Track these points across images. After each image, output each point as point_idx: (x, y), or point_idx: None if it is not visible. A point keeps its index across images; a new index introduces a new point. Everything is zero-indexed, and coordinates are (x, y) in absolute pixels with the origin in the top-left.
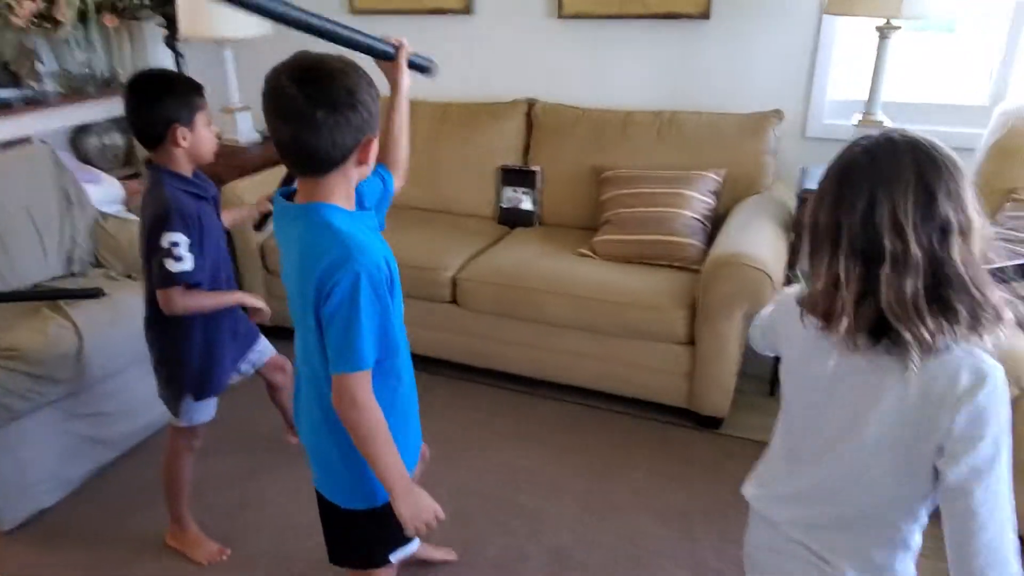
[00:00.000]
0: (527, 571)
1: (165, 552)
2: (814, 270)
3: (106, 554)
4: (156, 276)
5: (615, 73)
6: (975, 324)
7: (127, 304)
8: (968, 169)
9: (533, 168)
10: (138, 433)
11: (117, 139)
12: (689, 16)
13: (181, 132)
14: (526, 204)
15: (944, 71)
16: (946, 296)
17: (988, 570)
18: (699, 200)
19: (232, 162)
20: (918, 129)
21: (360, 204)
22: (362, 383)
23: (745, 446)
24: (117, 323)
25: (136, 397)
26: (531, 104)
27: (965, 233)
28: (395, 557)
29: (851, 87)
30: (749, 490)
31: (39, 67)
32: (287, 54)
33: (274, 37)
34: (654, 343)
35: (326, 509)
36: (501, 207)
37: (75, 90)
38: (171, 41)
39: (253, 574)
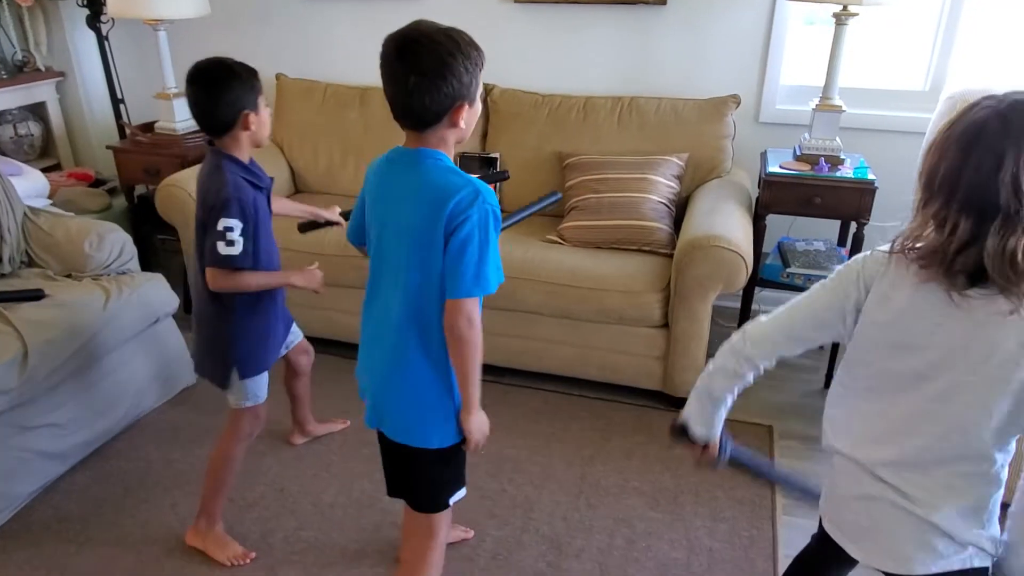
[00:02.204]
0: (524, 560)
1: (143, 568)
2: (921, 217)
3: (76, 573)
4: (208, 256)
5: (573, 58)
6: None
7: (72, 305)
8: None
9: (493, 155)
10: (92, 442)
11: (33, 128)
12: (646, 1)
13: (251, 117)
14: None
15: (885, 59)
16: None
17: None
18: (664, 184)
19: (171, 151)
20: (863, 113)
21: None
22: (477, 306)
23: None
24: (62, 327)
25: (87, 406)
26: (489, 89)
27: None
28: (453, 500)
29: (803, 73)
30: (833, 441)
31: None
32: (225, 37)
33: (209, 18)
34: (628, 327)
35: (410, 460)
36: None
37: None
38: (94, 22)
39: (295, 567)
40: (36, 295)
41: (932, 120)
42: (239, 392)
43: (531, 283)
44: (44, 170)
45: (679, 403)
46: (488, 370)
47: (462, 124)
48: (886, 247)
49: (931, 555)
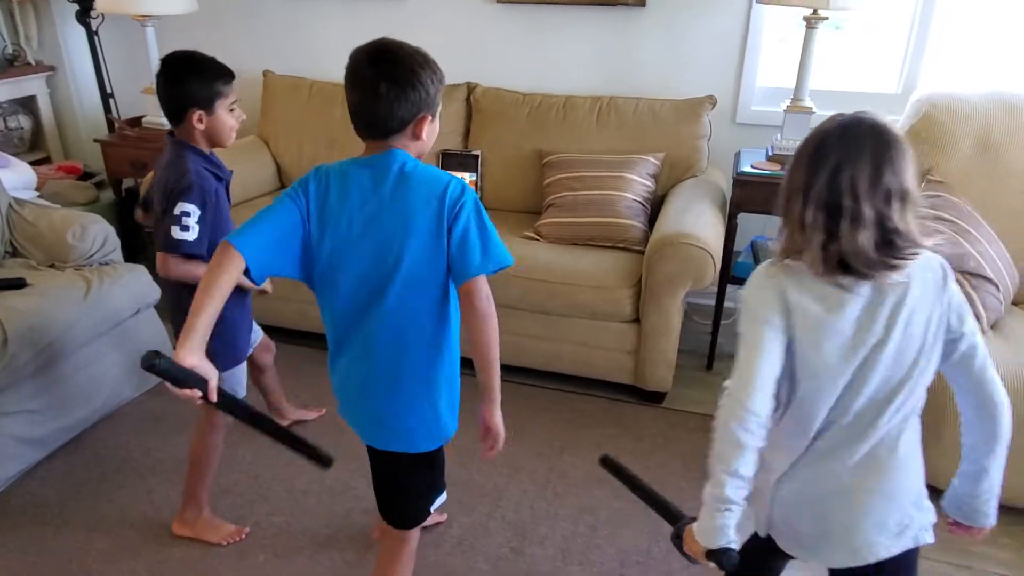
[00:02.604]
0: (489, 546)
1: (119, 552)
2: (787, 217)
3: (53, 556)
4: (160, 240)
5: (554, 58)
6: (912, 252)
7: (53, 294)
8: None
9: (474, 152)
10: (68, 430)
11: (23, 122)
12: (625, 3)
13: (198, 115)
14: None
15: (858, 63)
16: (890, 244)
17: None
18: (640, 183)
19: (157, 145)
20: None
21: None
22: (487, 285)
23: (688, 419)
24: (42, 315)
25: (67, 392)
26: (471, 88)
27: (904, 199)
28: (434, 507)
29: (778, 75)
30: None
31: None
32: (213, 33)
33: (197, 15)
34: (601, 322)
35: (393, 469)
36: None
37: None
38: (84, 17)
39: (265, 551)
40: (18, 283)
41: (900, 122)
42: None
43: (506, 278)
44: (34, 163)
45: (650, 397)
46: (463, 363)
47: (424, 136)
48: (768, 271)
49: (889, 536)
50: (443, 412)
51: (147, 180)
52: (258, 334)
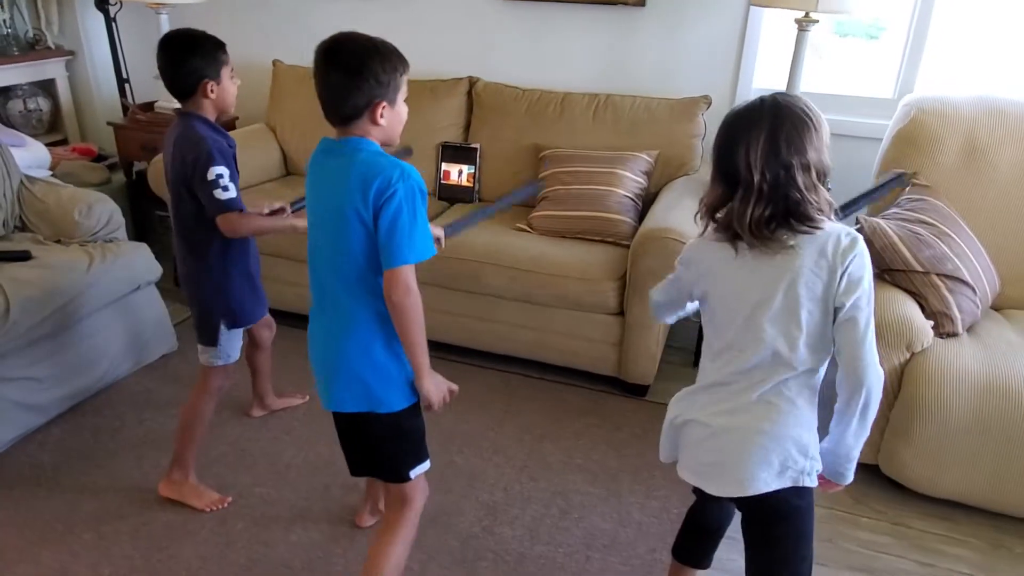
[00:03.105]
0: (461, 524)
1: (104, 514)
2: (709, 185)
3: (43, 515)
4: (210, 206)
5: (554, 55)
6: (812, 223)
7: (56, 267)
8: (825, 128)
9: (473, 145)
10: (68, 399)
11: (42, 103)
12: (625, 3)
13: (210, 85)
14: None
15: (866, 70)
16: (784, 215)
17: (872, 367)
18: (632, 180)
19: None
20: (830, 118)
21: None
22: (413, 273)
23: None
24: (45, 286)
25: (67, 362)
26: (472, 82)
27: (806, 169)
28: (414, 472)
29: (776, 77)
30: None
31: None
32: (224, 22)
33: (209, 4)
34: (586, 314)
35: (367, 430)
36: (440, 182)
37: None
38: (102, 4)
39: (244, 519)
40: (23, 256)
41: (889, 126)
42: (215, 350)
43: (495, 267)
44: (51, 144)
45: (633, 389)
46: (451, 350)
47: (382, 122)
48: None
49: (771, 473)
50: (407, 373)
51: (154, 165)
52: (266, 311)
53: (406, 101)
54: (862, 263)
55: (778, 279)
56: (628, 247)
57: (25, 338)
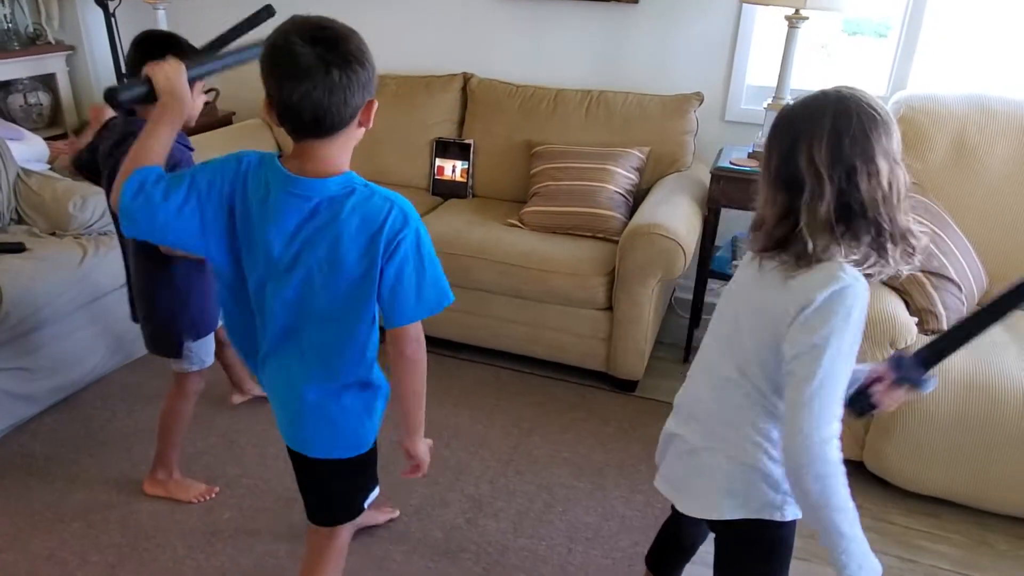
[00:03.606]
0: (445, 516)
1: (93, 503)
2: (758, 195)
3: (32, 504)
4: None
5: (548, 52)
6: (879, 247)
7: (50, 259)
8: (897, 135)
9: (467, 141)
10: (60, 390)
11: (43, 98)
12: (619, 0)
13: None
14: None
15: (870, 69)
16: (853, 224)
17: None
18: (623, 176)
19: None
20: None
21: None
22: (421, 329)
23: (657, 407)
24: (38, 278)
25: (59, 354)
26: (467, 79)
27: (871, 175)
28: (367, 503)
29: (771, 74)
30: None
31: None
32: (221, 17)
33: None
34: (575, 309)
35: (312, 469)
36: (434, 178)
37: None
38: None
39: (231, 509)
40: (17, 247)
41: None
42: (186, 358)
43: (485, 262)
44: (51, 138)
45: (622, 384)
46: (442, 344)
47: (369, 124)
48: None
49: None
50: (361, 423)
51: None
52: None
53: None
54: (819, 315)
55: (747, 298)
56: (617, 242)
57: (18, 329)
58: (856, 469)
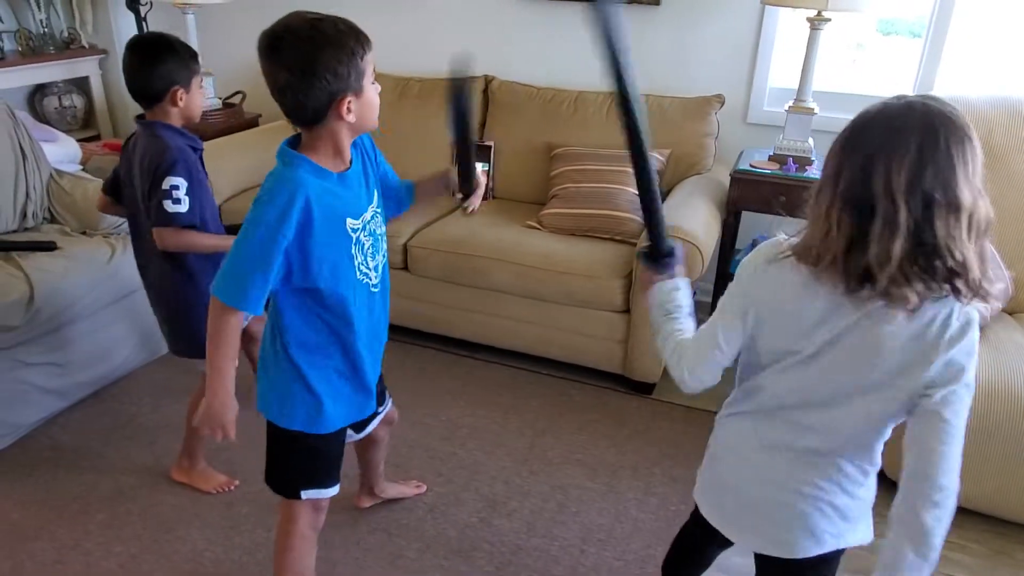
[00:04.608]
0: (459, 515)
1: (118, 495)
2: (814, 212)
3: (60, 495)
4: (154, 215)
5: (569, 54)
6: (955, 291)
7: (79, 257)
8: (980, 157)
9: (487, 143)
10: (89, 385)
11: (76, 100)
12: (640, 1)
13: (180, 93)
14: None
15: (901, 70)
16: (926, 261)
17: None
18: None
19: (195, 128)
20: (845, 118)
21: (389, 189)
22: (217, 305)
23: (673, 410)
24: (68, 275)
25: (89, 349)
26: (488, 81)
27: (953, 210)
28: (306, 495)
29: (793, 76)
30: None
31: None
32: (250, 19)
33: (235, 3)
34: (592, 311)
35: (269, 433)
36: None
37: (34, 49)
38: (133, 4)
39: (249, 504)
40: (48, 246)
41: None
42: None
43: (501, 263)
44: (84, 140)
45: (638, 386)
46: (459, 344)
47: (350, 117)
48: (777, 249)
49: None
50: (305, 395)
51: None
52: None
53: (376, 82)
54: (970, 343)
55: (846, 338)
56: (636, 245)
57: (48, 325)
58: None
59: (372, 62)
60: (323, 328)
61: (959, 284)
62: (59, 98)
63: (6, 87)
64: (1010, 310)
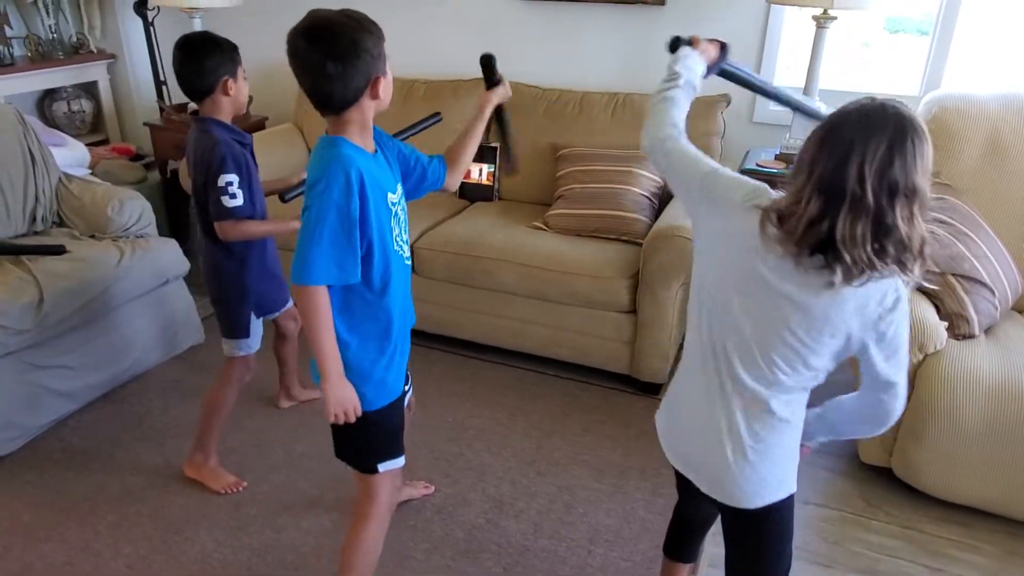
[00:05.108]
0: (467, 516)
1: (127, 496)
2: (789, 187)
3: (70, 496)
4: (214, 211)
5: (574, 54)
6: (901, 263)
7: (89, 260)
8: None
9: (493, 144)
10: (99, 387)
11: (85, 105)
12: (645, 2)
13: (230, 83)
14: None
15: (907, 68)
16: (883, 240)
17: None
18: (648, 178)
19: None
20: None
21: (410, 165)
22: (308, 294)
23: None
24: (77, 278)
25: (99, 352)
26: None
27: (909, 196)
28: (383, 467)
29: (800, 75)
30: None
31: (7, 31)
32: (255, 23)
33: (240, 8)
34: (598, 311)
35: None
36: (461, 182)
37: (43, 55)
38: (141, 9)
39: (258, 505)
40: (58, 250)
41: None
42: (236, 341)
43: (508, 264)
44: (93, 144)
45: (646, 387)
46: (466, 345)
47: (381, 95)
48: (756, 198)
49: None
50: (367, 375)
51: (183, 165)
52: (289, 302)
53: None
54: (902, 317)
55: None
56: (642, 245)
57: (58, 328)
58: (885, 476)
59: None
60: (376, 311)
61: (906, 259)
62: (68, 103)
63: (16, 92)
64: (1020, 308)
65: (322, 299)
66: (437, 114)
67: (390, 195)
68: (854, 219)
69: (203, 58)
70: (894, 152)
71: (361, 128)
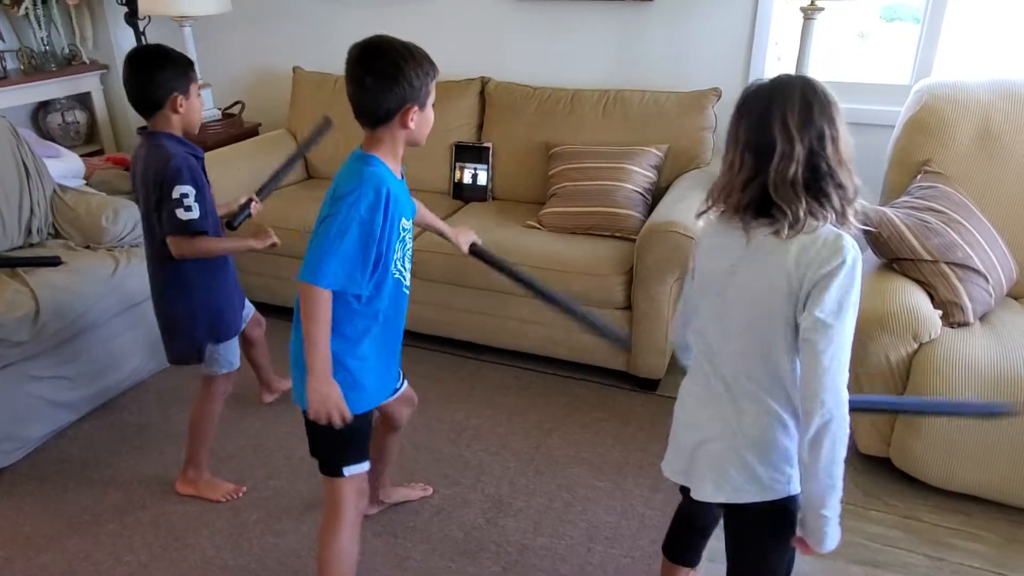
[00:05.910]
0: (466, 516)
1: (127, 505)
2: (723, 164)
3: (70, 507)
4: (167, 225)
5: (564, 53)
6: (843, 209)
7: (84, 271)
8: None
9: (485, 144)
10: (97, 397)
11: (79, 116)
12: None
13: (180, 100)
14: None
15: (900, 56)
16: (821, 185)
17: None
18: (641, 174)
19: (194, 139)
20: (845, 106)
21: None
22: (313, 294)
23: None
24: (73, 290)
25: (96, 362)
26: (484, 82)
27: (835, 140)
28: (348, 471)
29: (790, 67)
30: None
31: None
32: (246, 31)
33: (231, 15)
34: (595, 308)
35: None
36: (455, 182)
37: (36, 67)
38: (132, 19)
39: (258, 510)
40: (53, 261)
41: (900, 112)
42: (214, 362)
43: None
44: (88, 155)
45: (643, 383)
46: (463, 346)
47: (411, 125)
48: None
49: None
50: (346, 378)
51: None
52: (250, 309)
53: (433, 106)
54: (844, 277)
55: (746, 270)
56: (636, 241)
57: (55, 339)
58: (883, 466)
59: (435, 89)
60: (357, 317)
61: (840, 202)
62: (62, 114)
63: (9, 105)
64: (1015, 295)
65: (325, 299)
66: (327, 120)
67: (404, 221)
68: (785, 167)
69: (153, 72)
70: (811, 102)
71: (392, 152)
